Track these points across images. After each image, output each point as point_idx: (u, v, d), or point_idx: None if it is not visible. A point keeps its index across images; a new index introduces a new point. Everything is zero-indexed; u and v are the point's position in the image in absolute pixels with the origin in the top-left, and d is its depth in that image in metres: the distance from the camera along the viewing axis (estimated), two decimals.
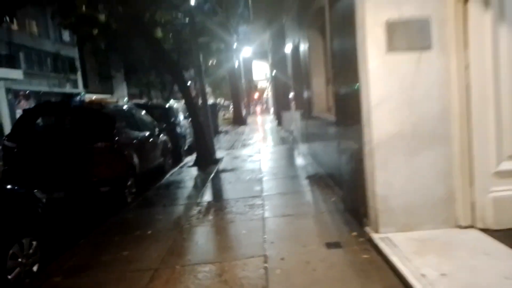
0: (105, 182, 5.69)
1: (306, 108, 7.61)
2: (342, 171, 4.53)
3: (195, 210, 5.14)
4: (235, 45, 25.52)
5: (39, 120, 6.28)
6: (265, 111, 53.67)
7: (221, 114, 25.80)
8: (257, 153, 10.25)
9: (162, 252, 3.75)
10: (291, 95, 11.09)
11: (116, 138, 6.11)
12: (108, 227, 4.76)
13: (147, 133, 7.62)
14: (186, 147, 11.84)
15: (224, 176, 7.35)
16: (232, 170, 7.97)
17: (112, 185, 5.75)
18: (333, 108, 4.80)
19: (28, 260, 3.52)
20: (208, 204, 5.42)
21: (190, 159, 10.06)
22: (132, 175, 6.39)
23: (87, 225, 5.10)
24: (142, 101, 27.08)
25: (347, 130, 4.21)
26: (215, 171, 8.05)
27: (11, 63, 21.38)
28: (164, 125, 10.25)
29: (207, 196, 5.98)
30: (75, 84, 30.23)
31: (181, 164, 9.52)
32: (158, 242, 4.04)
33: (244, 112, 27.04)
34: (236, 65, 27.04)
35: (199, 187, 6.70)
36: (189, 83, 31.89)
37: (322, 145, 6.26)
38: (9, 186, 3.86)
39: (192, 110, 9.26)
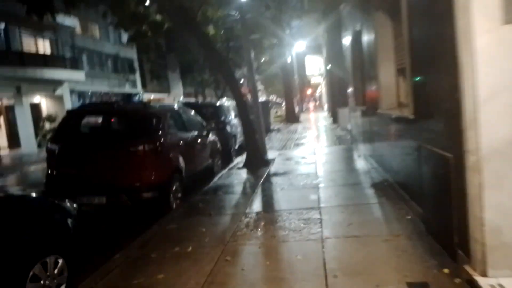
0: (148, 188, 5.26)
1: (370, 104, 6.65)
2: (424, 183, 3.61)
3: (242, 222, 4.51)
4: (288, 40, 24.73)
5: (84, 122, 6.05)
6: (319, 108, 52.18)
7: (273, 111, 25.15)
8: (311, 154, 9.42)
9: (201, 278, 3.14)
10: (350, 90, 10.07)
11: (161, 140, 5.68)
12: (147, 239, 4.29)
13: (195, 134, 7.16)
14: (237, 147, 11.35)
15: (276, 181, 6.65)
16: (284, 173, 7.25)
17: (156, 191, 5.31)
18: (410, 104, 3.88)
19: (53, 281, 3.10)
20: (257, 216, 4.75)
21: (241, 159, 9.52)
22: (178, 179, 5.93)
23: (126, 235, 4.69)
24: (193, 99, 27.42)
25: (433, 132, 3.29)
26: (266, 174, 7.39)
27: (74, 65, 22.54)
28: (214, 124, 9.84)
29: (257, 205, 5.31)
30: (133, 84, 31.40)
31: (231, 165, 8.99)
32: (198, 264, 3.45)
33: (296, 109, 26.14)
34: (289, 60, 26.20)
35: (248, 193, 6.07)
36: (241, 81, 31.79)
37: (391, 148, 5.31)
38: (33, 195, 3.48)
39: (242, 108, 8.68)
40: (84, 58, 25.48)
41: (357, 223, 4.07)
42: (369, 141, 7.21)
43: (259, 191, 6.10)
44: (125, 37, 30.31)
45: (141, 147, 5.28)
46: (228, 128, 10.49)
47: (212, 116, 10.43)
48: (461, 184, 2.63)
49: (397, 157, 4.96)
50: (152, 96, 35.08)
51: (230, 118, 11.00)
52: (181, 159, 6.11)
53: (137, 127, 5.62)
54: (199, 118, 7.94)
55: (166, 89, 39.36)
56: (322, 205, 4.89)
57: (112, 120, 6.09)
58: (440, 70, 2.97)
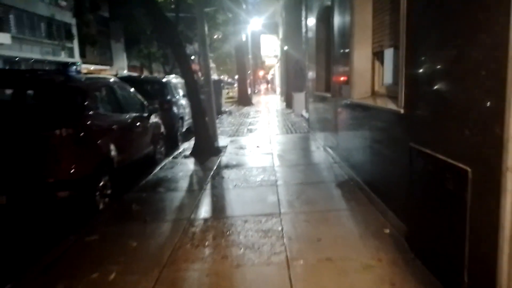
0: (64, 185, 4.10)
1: (336, 91, 5.94)
2: (412, 194, 2.93)
3: (185, 234, 3.58)
4: (243, 17, 23.51)
5: None
6: (271, 91, 51.72)
7: (224, 92, 24.00)
8: (267, 142, 8.62)
9: None
10: (310, 74, 9.35)
11: (85, 122, 4.50)
12: (56, 259, 3.21)
13: (132, 115, 6.00)
14: (184, 130, 10.23)
15: (228, 175, 5.76)
16: (237, 166, 6.37)
17: (75, 188, 4.17)
18: (401, 95, 3.16)
19: None
20: (205, 224, 3.85)
21: (188, 145, 8.49)
22: (107, 172, 4.81)
23: (29, 251, 3.57)
24: (137, 74, 25.30)
25: (436, 134, 2.57)
26: (216, 165, 6.46)
27: None
28: (158, 104, 8.63)
29: (205, 208, 4.39)
30: (71, 53, 28.35)
31: (177, 152, 7.93)
32: None
33: (249, 90, 25.23)
34: (244, 38, 25.03)
35: (195, 190, 5.12)
36: (191, 57, 29.87)
37: (363, 143, 4.64)
38: None
39: (192, 87, 7.58)
40: (11, 18, 22.24)
41: (327, 238, 3.32)
42: (332, 132, 6.54)
43: (208, 188, 5.17)
44: None
45: (56, 132, 4.07)
46: (175, 109, 9.33)
47: (157, 94, 9.19)
48: (487, 209, 1.93)
49: (371, 155, 4.29)
50: (92, 67, 32.07)
51: (177, 97, 9.81)
52: (112, 147, 4.97)
53: (53, 104, 4.37)
54: (139, 96, 6.74)
55: (109, 61, 36.32)
56: (283, 210, 4.10)
57: (22, 94, 4.75)
58: (457, 51, 2.21)
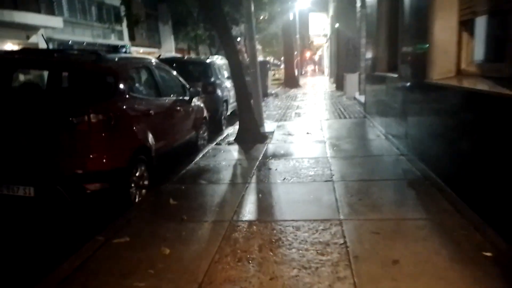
0: (95, 176, 3.69)
1: (407, 70, 4.99)
2: None
3: (226, 242, 3.00)
4: None
5: (10, 77, 4.33)
6: (318, 72, 49.94)
7: (270, 73, 23.21)
8: (317, 129, 7.82)
9: None
10: (368, 53, 8.32)
11: (117, 106, 4.04)
12: (76, 269, 2.77)
13: (173, 99, 5.50)
14: (228, 113, 9.70)
15: (276, 166, 5.11)
16: (286, 155, 5.69)
17: (107, 181, 3.75)
18: None
19: None
20: (249, 229, 3.24)
21: (232, 130, 7.95)
22: (144, 161, 4.35)
23: (52, 254, 3.20)
24: (178, 55, 25.01)
25: None
26: (262, 154, 5.83)
27: (50, 9, 20.07)
28: (201, 86, 8.12)
29: (249, 207, 3.78)
30: (120, 36, 28.85)
31: (220, 138, 7.40)
32: None
33: (296, 72, 24.17)
34: (291, 18, 23.84)
35: (238, 184, 4.53)
36: (237, 39, 29.30)
37: (443, 134, 3.74)
38: None
39: (236, 68, 6.93)
40: (64, 2, 22.85)
41: (406, 260, 2.57)
42: (398, 118, 5.62)
43: (253, 181, 4.56)
44: None
45: (84, 117, 3.63)
46: (219, 92, 8.78)
47: (200, 75, 8.69)
48: None
49: (458, 149, 3.41)
50: (141, 50, 32.56)
51: (222, 79, 9.25)
52: (149, 134, 4.50)
53: (82, 87, 3.95)
54: (180, 78, 6.22)
55: (157, 44, 36.73)
56: (343, 215, 3.38)
57: (50, 76, 4.37)
58: None
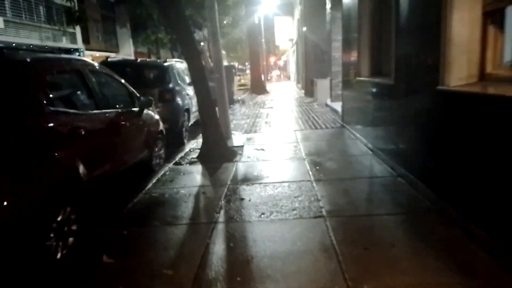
0: None
1: (407, 75, 4.15)
2: None
3: None
4: None
5: None
6: (283, 77, 49.67)
7: (236, 79, 22.20)
8: (292, 141, 6.89)
9: None
10: (345, 56, 7.53)
11: (29, 125, 2.86)
12: None
13: (115, 112, 4.33)
14: (191, 123, 8.57)
15: (249, 195, 4.07)
16: (260, 179, 4.67)
17: (6, 237, 2.55)
18: None
19: None
20: None
21: (196, 144, 6.86)
22: (71, 198, 3.17)
23: None
24: (130, 57, 23.43)
25: None
26: (231, 177, 4.78)
27: None
28: (157, 93, 6.98)
29: (215, 269, 2.68)
30: (73, 39, 26.74)
31: (181, 155, 6.27)
32: None
33: (263, 77, 23.34)
34: (256, 21, 23.03)
35: (201, 227, 3.42)
36: (202, 43, 28.30)
37: (467, 154, 2.88)
38: None
39: (198, 74, 5.84)
40: (6, 1, 20.66)
41: None
42: (392, 132, 4.78)
43: (221, 220, 3.49)
44: None
45: None
46: (179, 100, 7.63)
47: (157, 81, 7.50)
48: None
49: (497, 180, 2.54)
50: (97, 54, 30.51)
51: (182, 85, 8.10)
52: (79, 162, 3.32)
53: None
54: (128, 86, 5.04)
55: (114, 47, 34.71)
56: (352, 282, 2.39)
57: None
58: None
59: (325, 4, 13.09)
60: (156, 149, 5.60)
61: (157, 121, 5.68)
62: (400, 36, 4.21)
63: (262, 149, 6.33)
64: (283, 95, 18.74)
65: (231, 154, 6.04)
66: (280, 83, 36.27)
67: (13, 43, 20.80)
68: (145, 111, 5.20)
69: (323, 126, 8.29)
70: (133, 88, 5.12)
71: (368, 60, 5.94)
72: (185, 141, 7.74)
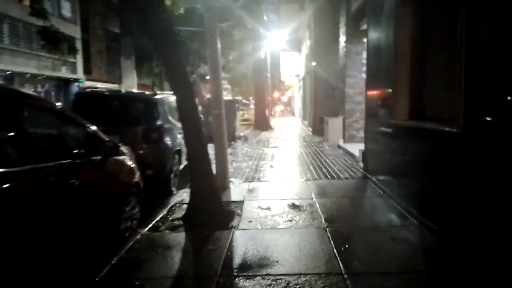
0: None
1: (492, 119, 2.82)
2: None
3: None
4: (262, 33, 20.89)
5: None
6: (287, 113, 48.95)
7: (239, 114, 21.14)
8: (306, 196, 5.46)
9: None
10: (371, 93, 6.27)
11: None
12: None
13: (62, 164, 2.97)
14: (182, 167, 7.20)
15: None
16: (264, 265, 3.20)
17: None
18: None
19: None
20: None
21: (186, 195, 5.46)
22: None
23: None
24: (120, 89, 22.56)
25: None
26: (223, 259, 3.32)
27: None
28: (141, 133, 5.71)
29: None
30: (73, 69, 26.05)
31: (162, 213, 4.85)
32: None
33: (267, 113, 22.25)
34: (262, 56, 22.28)
35: None
36: (207, 77, 27.74)
37: None
38: None
39: (186, 109, 4.51)
40: (5, 28, 20.07)
41: None
42: (459, 200, 3.37)
43: None
44: (66, 8, 25.04)
45: None
46: (168, 140, 6.30)
47: (142, 118, 6.22)
48: None
49: None
50: (99, 85, 29.80)
51: (173, 123, 6.81)
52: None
53: None
54: (89, 127, 3.71)
55: (117, 79, 34.12)
56: None
57: None
58: None
59: (337, 38, 12.10)
60: (127, 209, 4.19)
61: (130, 170, 4.31)
62: (476, 66, 2.90)
63: (268, 208, 4.90)
64: (288, 133, 17.49)
65: (227, 215, 4.61)
66: (284, 118, 35.28)
67: (9, 71, 20.06)
68: (114, 158, 3.85)
69: (341, 175, 6.87)
70: (114, 125, 3.83)
71: (408, 98, 4.64)
72: (174, 189, 6.36)
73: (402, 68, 4.73)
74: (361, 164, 7.65)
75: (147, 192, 4.80)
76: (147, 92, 6.94)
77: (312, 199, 5.30)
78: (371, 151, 6.30)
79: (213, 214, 4.52)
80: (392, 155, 5.10)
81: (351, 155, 9.06)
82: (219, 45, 6.12)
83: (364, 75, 10.90)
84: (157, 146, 6.04)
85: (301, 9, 19.98)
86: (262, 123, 19.62)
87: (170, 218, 4.61)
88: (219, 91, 6.17)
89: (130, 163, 4.39)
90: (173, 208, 5.07)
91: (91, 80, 28.75)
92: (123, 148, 4.32)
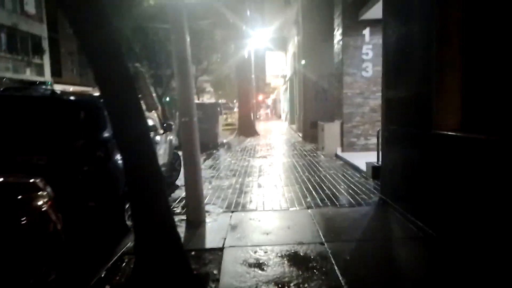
0: None
1: None
2: None
3: None
4: (246, 32, 19.36)
5: None
6: (272, 116, 47.56)
7: (222, 118, 19.53)
8: (312, 239, 3.87)
9: None
10: (394, 95, 4.76)
11: None
12: None
13: None
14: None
15: None
16: None
17: None
18: None
19: None
20: None
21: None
22: None
23: None
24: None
25: None
26: None
27: None
28: (79, 148, 4.06)
29: None
30: (40, 71, 23.90)
31: (102, 272, 3.18)
32: None
33: (252, 117, 20.65)
34: (246, 56, 20.71)
35: None
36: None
37: None
38: None
39: (125, 125, 2.85)
40: None
41: None
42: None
43: None
44: (30, 4, 22.88)
45: None
46: (121, 158, 4.61)
47: (82, 128, 4.51)
48: None
49: None
50: (71, 88, 27.63)
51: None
52: None
53: None
54: None
55: (91, 81, 31.91)
56: None
57: None
58: None
59: (330, 32, 10.64)
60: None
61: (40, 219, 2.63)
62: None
63: (259, 265, 3.28)
64: (276, 139, 15.93)
65: (197, 284, 2.98)
66: (270, 122, 33.82)
67: None
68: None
69: (350, 199, 5.32)
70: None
71: (461, 100, 3.12)
72: (130, 223, 4.68)
73: (452, 55, 3.22)
74: (371, 182, 6.15)
75: (88, 232, 3.14)
76: (94, 93, 5.18)
77: (322, 243, 3.71)
78: (393, 168, 4.76)
79: (173, 281, 2.89)
80: (435, 178, 3.57)
81: (355, 168, 7.56)
82: (188, 39, 4.53)
83: (364, 73, 9.45)
84: (103, 166, 4.35)
85: (287, 4, 18.53)
86: (247, 128, 18.03)
87: (115, 280, 2.95)
88: (189, 93, 4.54)
89: (42, 205, 2.71)
90: (119, 262, 3.41)
91: (61, 83, 26.57)
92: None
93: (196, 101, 24.38)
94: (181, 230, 4.36)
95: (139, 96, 3.09)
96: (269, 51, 24.18)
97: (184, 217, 4.74)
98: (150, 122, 6.34)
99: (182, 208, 5.12)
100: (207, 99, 42.27)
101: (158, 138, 6.87)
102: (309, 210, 4.84)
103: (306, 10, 13.66)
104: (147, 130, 2.99)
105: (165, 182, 3.13)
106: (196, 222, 4.58)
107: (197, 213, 4.66)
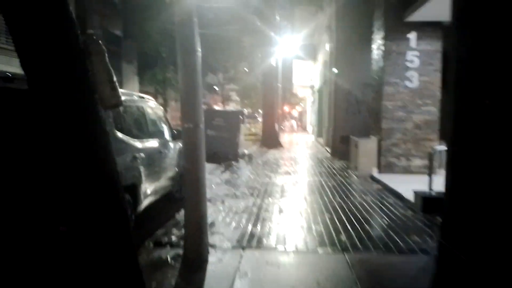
0: None
1: None
2: None
3: None
4: (274, 39, 18.40)
5: None
6: (298, 128, 46.23)
7: (245, 127, 18.52)
8: None
9: None
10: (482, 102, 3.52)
11: None
12: None
13: None
14: (144, 206, 4.51)
15: None
16: None
17: None
18: None
19: None
20: None
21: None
22: None
23: None
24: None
25: None
26: None
27: None
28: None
29: None
30: None
31: None
32: None
33: (277, 128, 19.52)
34: (273, 63, 19.71)
35: None
36: (216, 88, 25.33)
37: None
38: None
39: (70, 127, 1.84)
40: None
41: None
42: None
43: None
44: None
45: None
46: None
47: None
48: None
49: None
50: None
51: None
52: None
53: None
54: None
55: (118, 84, 31.85)
56: None
57: None
58: None
59: (367, 37, 9.44)
60: None
61: None
62: None
63: None
64: (302, 153, 14.72)
65: None
66: (295, 134, 32.55)
67: None
68: None
69: (399, 241, 4.07)
70: None
71: None
72: None
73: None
74: (421, 217, 4.88)
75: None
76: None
77: None
78: (466, 203, 3.49)
79: None
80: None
81: (397, 195, 6.28)
82: (196, 21, 3.52)
83: (408, 83, 8.16)
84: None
85: (319, 10, 17.48)
86: (270, 139, 16.91)
87: None
88: (194, 92, 3.49)
89: None
90: None
91: None
92: None
93: (217, 107, 23.59)
94: (173, 272, 3.29)
95: (91, 82, 2.06)
96: (297, 59, 23.09)
97: (181, 251, 3.67)
98: (156, 128, 5.37)
99: (181, 238, 4.04)
100: (232, 107, 41.64)
101: (169, 145, 5.90)
102: (345, 256, 3.65)
103: (341, 14, 12.52)
104: (102, 139, 1.94)
105: (127, 215, 2.07)
106: (195, 261, 3.50)
107: (198, 249, 3.57)
